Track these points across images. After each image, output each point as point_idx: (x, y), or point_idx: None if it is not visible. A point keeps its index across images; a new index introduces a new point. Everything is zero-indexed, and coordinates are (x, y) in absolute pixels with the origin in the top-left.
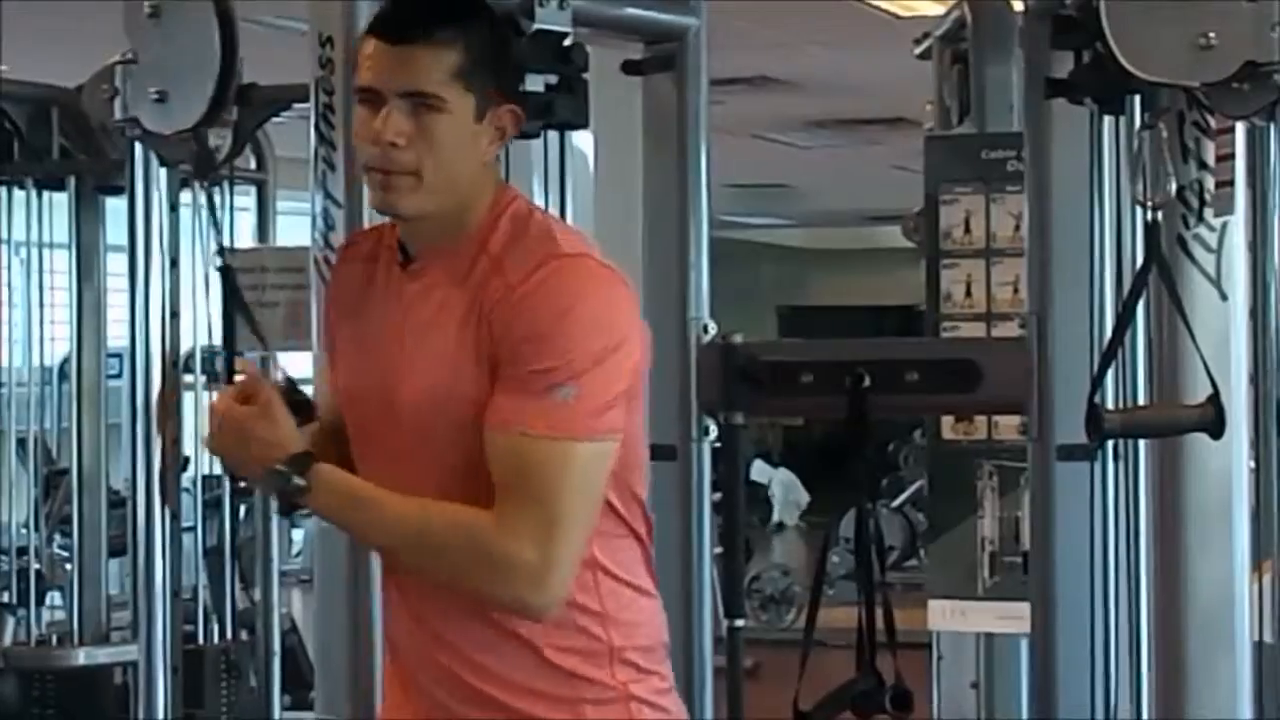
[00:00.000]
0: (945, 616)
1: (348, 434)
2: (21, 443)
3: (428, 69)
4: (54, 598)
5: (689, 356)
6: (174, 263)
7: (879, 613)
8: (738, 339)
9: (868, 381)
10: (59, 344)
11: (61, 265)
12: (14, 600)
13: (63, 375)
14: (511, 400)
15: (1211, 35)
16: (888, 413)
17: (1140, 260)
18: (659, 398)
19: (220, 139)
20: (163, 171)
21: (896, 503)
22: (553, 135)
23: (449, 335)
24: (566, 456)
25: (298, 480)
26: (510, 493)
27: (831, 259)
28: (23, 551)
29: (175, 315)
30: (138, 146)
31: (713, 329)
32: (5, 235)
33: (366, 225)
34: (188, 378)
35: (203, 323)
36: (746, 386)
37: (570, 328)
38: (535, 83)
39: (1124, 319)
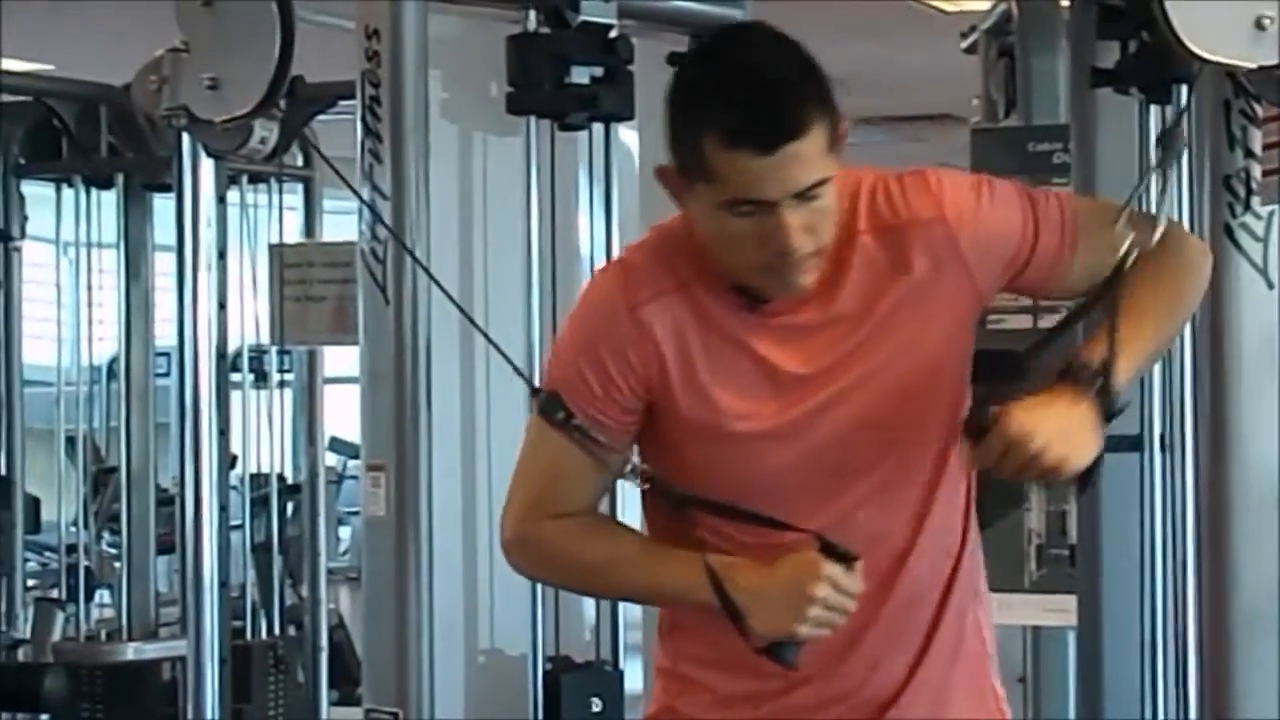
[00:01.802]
0: (993, 610)
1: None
2: (71, 441)
3: (812, 162)
4: (101, 595)
5: None
6: (221, 255)
7: None
8: None
9: None
10: (106, 343)
11: (108, 264)
12: (63, 596)
13: (110, 374)
14: (1046, 232)
15: (1270, 17)
16: None
17: None
18: None
19: (267, 131)
20: (210, 164)
21: None
22: (598, 127)
23: (911, 329)
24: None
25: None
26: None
27: None
28: (72, 549)
29: (223, 307)
30: (185, 138)
31: None
32: (54, 234)
33: (417, 217)
34: (234, 376)
35: (250, 318)
36: None
37: (983, 181)
38: (581, 75)
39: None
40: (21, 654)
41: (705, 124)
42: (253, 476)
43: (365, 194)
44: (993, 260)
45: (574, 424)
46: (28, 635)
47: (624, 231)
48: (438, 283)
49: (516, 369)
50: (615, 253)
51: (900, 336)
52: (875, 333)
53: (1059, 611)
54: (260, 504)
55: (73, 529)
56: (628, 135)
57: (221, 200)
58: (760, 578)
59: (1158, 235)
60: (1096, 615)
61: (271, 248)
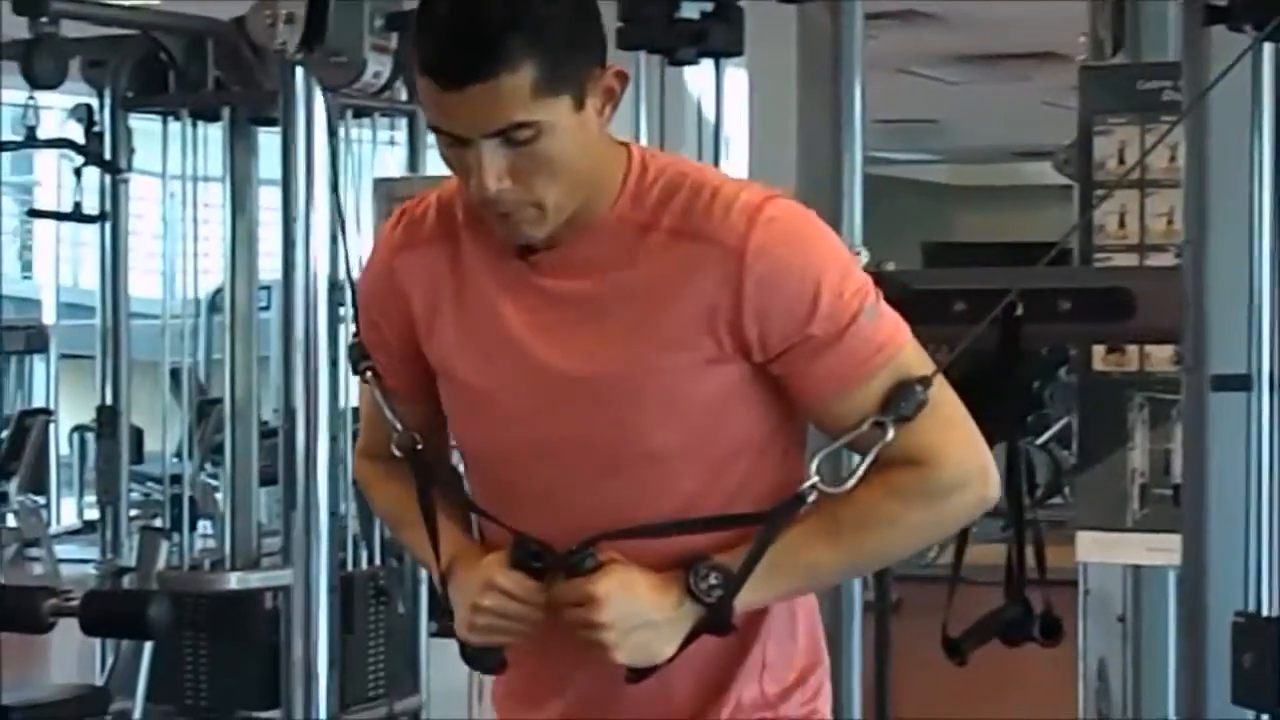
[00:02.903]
0: (1094, 548)
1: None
2: (174, 374)
3: (507, 102)
4: (203, 525)
5: None
6: (334, 188)
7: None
8: (890, 268)
9: (1020, 310)
10: (210, 276)
11: (211, 198)
12: (167, 526)
13: (212, 307)
14: (835, 356)
15: None
16: (1040, 342)
17: None
18: None
19: (380, 65)
20: (321, 98)
21: (1041, 440)
22: (707, 63)
23: (636, 321)
24: (923, 354)
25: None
26: (925, 422)
27: (977, 195)
28: (175, 479)
29: (335, 240)
30: (298, 71)
31: (865, 257)
32: (160, 167)
33: None
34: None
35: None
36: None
37: (828, 257)
38: (691, 10)
39: None
40: (127, 581)
41: (414, 49)
42: (354, 409)
43: None
44: (770, 332)
45: (366, 371)
46: (133, 563)
47: (733, 167)
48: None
49: None
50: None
51: (645, 350)
52: (629, 335)
53: (1162, 550)
54: None
55: (175, 460)
56: (736, 71)
57: (333, 134)
58: (462, 577)
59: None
60: (1201, 555)
61: (377, 181)
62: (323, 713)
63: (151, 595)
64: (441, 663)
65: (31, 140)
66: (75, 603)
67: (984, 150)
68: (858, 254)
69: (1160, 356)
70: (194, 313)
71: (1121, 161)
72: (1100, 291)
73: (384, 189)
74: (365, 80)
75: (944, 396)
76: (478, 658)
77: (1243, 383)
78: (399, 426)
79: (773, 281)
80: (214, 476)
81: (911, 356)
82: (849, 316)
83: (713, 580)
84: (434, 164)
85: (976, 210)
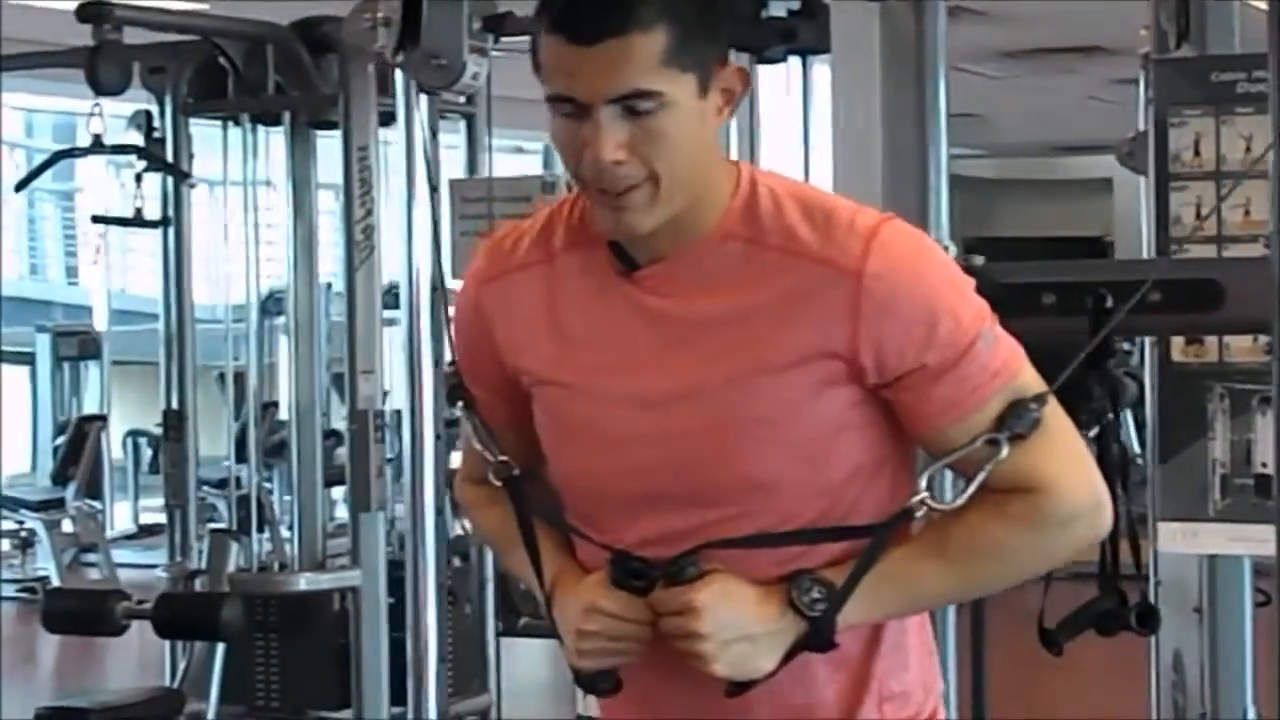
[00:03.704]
0: (1176, 538)
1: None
2: (223, 378)
3: (635, 65)
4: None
5: None
6: (434, 189)
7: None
8: (978, 261)
9: (1110, 302)
10: (266, 282)
11: (264, 201)
12: (233, 528)
13: (263, 311)
14: (952, 382)
15: None
16: (1129, 333)
17: None
18: None
19: (478, 66)
20: (424, 99)
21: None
22: (794, 60)
23: (744, 343)
24: (1037, 377)
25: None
26: (1040, 448)
27: (1019, 190)
28: (226, 483)
29: (437, 244)
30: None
31: (954, 251)
32: (221, 171)
33: None
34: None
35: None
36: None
37: (945, 285)
38: (778, 8)
39: None
40: (199, 584)
41: (540, 10)
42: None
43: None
44: (886, 355)
45: (461, 400)
46: (203, 566)
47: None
48: None
49: None
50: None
51: (752, 374)
52: (736, 358)
53: (1244, 540)
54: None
55: (226, 463)
56: (822, 69)
57: (435, 135)
58: (563, 600)
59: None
60: None
61: (453, 182)
62: (432, 712)
63: (225, 597)
64: (510, 661)
65: (99, 146)
66: (148, 606)
67: (1027, 145)
68: (947, 249)
69: (1239, 347)
70: (259, 316)
71: (1197, 153)
72: (1189, 283)
73: (458, 189)
74: (464, 82)
75: (1060, 424)
76: (591, 682)
77: None
78: (493, 457)
79: (891, 306)
80: (266, 479)
81: (1027, 377)
82: (967, 343)
83: (815, 594)
84: (496, 167)
85: (1018, 204)
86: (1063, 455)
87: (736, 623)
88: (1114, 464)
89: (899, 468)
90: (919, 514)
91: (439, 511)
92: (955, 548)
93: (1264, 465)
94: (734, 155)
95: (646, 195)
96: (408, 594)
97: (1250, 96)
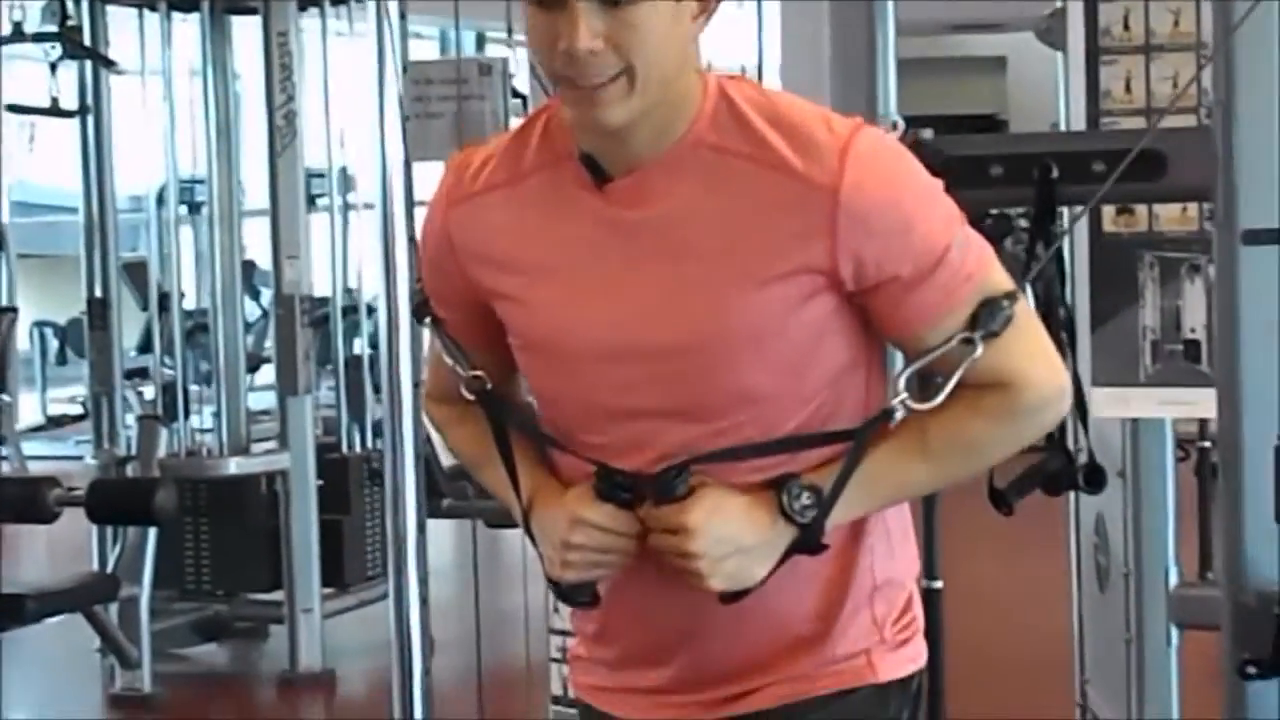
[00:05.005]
0: (1109, 404)
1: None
2: (128, 268)
3: None
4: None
5: None
6: (406, 69)
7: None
8: (927, 134)
9: (1056, 173)
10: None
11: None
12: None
13: (159, 202)
14: (927, 289)
15: None
16: (1073, 203)
17: None
18: None
19: None
20: None
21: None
22: None
23: (722, 255)
24: (1004, 272)
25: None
26: (1011, 344)
27: (912, 68)
28: (138, 373)
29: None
30: None
31: (902, 126)
32: (140, 60)
33: None
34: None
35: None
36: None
37: (919, 196)
38: None
39: None
40: (129, 470)
41: None
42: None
43: None
44: (865, 266)
45: (428, 317)
46: (132, 453)
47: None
48: None
49: None
50: None
51: (734, 289)
52: (715, 272)
53: (1174, 404)
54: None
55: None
56: None
57: (404, 16)
58: (544, 514)
59: (1014, 367)
60: (1236, 409)
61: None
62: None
63: (157, 482)
64: (436, 542)
65: (19, 35)
66: (80, 493)
67: (916, 24)
68: (895, 125)
69: (1169, 217)
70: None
71: (1126, 27)
72: (1123, 153)
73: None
74: None
75: (1028, 318)
76: (571, 594)
77: (1274, 237)
78: (465, 372)
79: (867, 220)
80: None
81: (997, 276)
82: (941, 250)
83: (805, 500)
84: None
85: (910, 82)
86: (1032, 349)
87: (730, 537)
88: (1060, 327)
89: (874, 366)
90: (898, 415)
91: (416, 386)
92: (934, 443)
93: (1193, 331)
94: None
95: (621, 88)
96: (386, 475)
97: None
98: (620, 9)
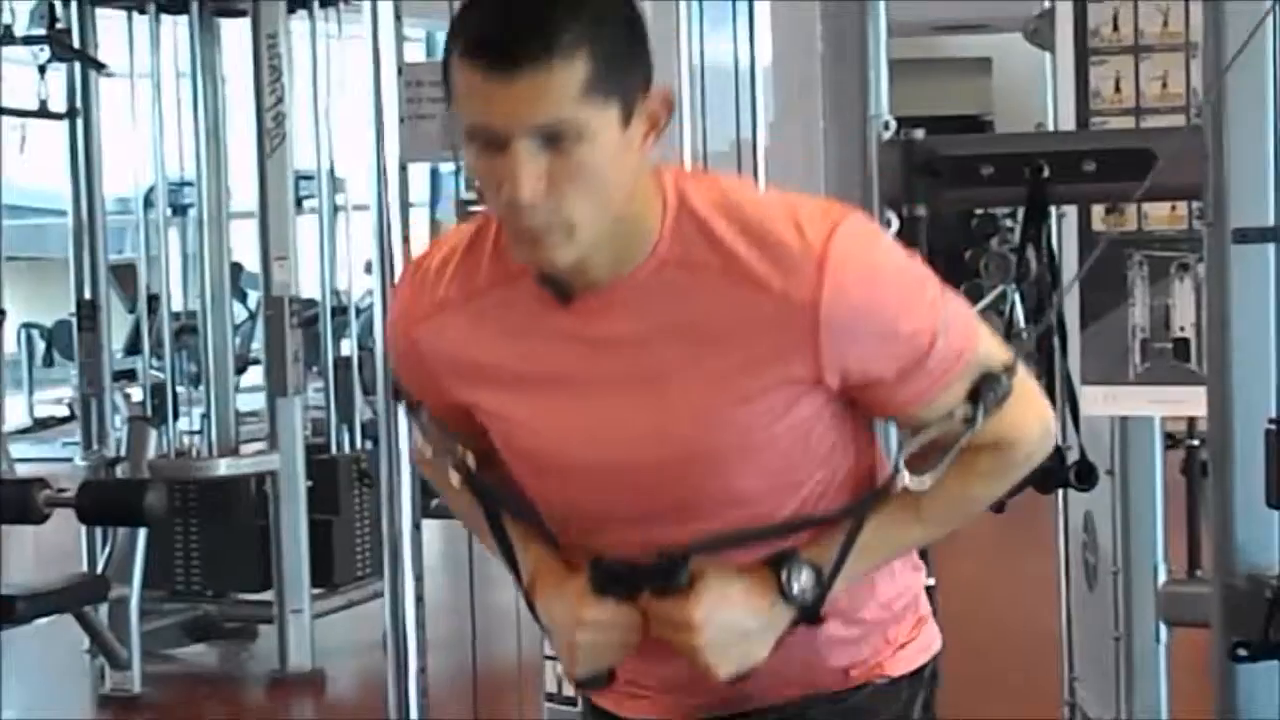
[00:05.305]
0: (1100, 402)
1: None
2: (115, 270)
3: (556, 95)
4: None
5: (870, 153)
6: (401, 71)
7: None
8: (918, 134)
9: (1047, 172)
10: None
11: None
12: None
13: (147, 205)
14: (918, 379)
15: None
16: (1064, 201)
17: None
18: (843, 193)
19: None
20: None
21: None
22: None
23: (698, 371)
24: (996, 341)
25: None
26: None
27: (899, 69)
28: (126, 375)
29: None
30: None
31: (893, 126)
32: (129, 62)
33: None
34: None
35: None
36: (927, 180)
37: (901, 294)
38: None
39: None
40: (119, 471)
41: (453, 35)
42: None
43: None
44: (851, 373)
45: (408, 403)
46: (121, 454)
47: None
48: None
49: None
50: None
51: (715, 404)
52: (694, 387)
53: (1163, 402)
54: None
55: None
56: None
57: (399, 18)
58: (547, 602)
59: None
60: (1227, 407)
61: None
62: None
63: (147, 483)
64: (428, 541)
65: (9, 37)
66: (70, 494)
67: (902, 24)
68: (887, 125)
69: (1158, 215)
70: (162, 208)
71: (1115, 28)
72: (1122, 152)
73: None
74: None
75: (1022, 381)
76: (587, 684)
77: (1264, 235)
78: (452, 458)
79: (851, 329)
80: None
81: (989, 347)
82: (927, 345)
83: (805, 580)
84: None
85: (896, 83)
86: (1025, 409)
87: (734, 624)
88: (1050, 326)
89: (863, 430)
90: (898, 489)
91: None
92: (930, 508)
93: (1182, 329)
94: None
95: (562, 237)
96: (380, 474)
97: None
98: (563, 149)
